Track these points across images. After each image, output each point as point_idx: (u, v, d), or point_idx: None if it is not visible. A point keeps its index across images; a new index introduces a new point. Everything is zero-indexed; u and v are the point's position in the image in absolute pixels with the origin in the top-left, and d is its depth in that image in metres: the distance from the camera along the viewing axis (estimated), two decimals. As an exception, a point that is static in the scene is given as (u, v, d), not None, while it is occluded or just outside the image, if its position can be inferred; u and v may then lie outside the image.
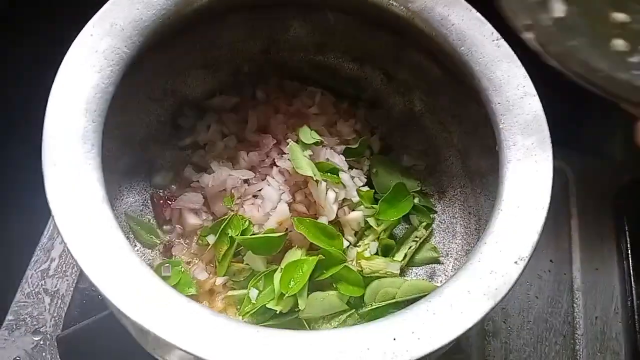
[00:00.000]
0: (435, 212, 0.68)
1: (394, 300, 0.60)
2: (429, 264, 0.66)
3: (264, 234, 0.59)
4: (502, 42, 0.56)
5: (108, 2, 0.51)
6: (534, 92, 0.53)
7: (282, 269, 0.57)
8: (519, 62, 0.55)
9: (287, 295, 0.55)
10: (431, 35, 0.58)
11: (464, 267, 0.46)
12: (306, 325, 0.58)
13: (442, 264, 0.65)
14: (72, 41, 0.48)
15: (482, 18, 0.57)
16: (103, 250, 0.41)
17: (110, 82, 0.49)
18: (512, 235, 0.46)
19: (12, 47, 0.72)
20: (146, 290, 0.40)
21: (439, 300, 0.43)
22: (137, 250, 0.61)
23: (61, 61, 0.47)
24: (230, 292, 0.58)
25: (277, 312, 0.57)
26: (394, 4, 0.59)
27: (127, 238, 0.57)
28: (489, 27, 0.56)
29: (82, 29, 0.49)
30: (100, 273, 0.40)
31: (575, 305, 0.74)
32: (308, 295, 0.57)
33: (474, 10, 0.57)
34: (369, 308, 0.60)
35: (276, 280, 0.57)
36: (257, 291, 0.58)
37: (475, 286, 0.44)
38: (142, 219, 0.63)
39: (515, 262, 0.45)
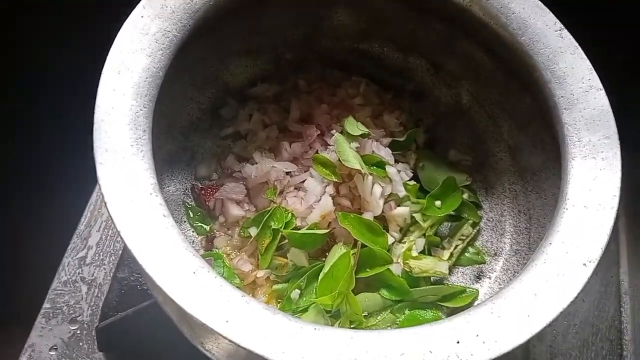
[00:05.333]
0: (483, 209, 0.66)
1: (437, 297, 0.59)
2: (473, 264, 0.63)
3: (308, 229, 0.57)
4: (566, 32, 0.53)
5: (158, -17, 0.49)
6: (600, 85, 0.51)
7: (325, 273, 0.56)
8: (583, 54, 0.52)
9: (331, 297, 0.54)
10: (489, 24, 0.56)
11: (528, 268, 0.43)
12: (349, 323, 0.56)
13: (489, 263, 0.63)
14: (122, 20, 0.47)
15: (544, 7, 0.54)
16: (156, 239, 0.39)
17: (161, 67, 0.47)
18: (580, 236, 0.44)
19: (62, 24, 0.71)
20: (200, 282, 0.38)
21: (504, 303, 0.41)
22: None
23: (111, 40, 0.46)
24: (275, 287, 0.57)
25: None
26: (450, -9, 0.56)
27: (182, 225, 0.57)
28: (551, 16, 0.54)
29: (131, 8, 0.48)
30: (153, 261, 0.38)
31: (622, 309, 0.72)
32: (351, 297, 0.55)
33: (535, -1, 0.54)
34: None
35: (321, 284, 0.55)
36: (299, 291, 0.57)
37: (541, 288, 0.42)
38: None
39: (584, 264, 0.43)
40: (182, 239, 0.40)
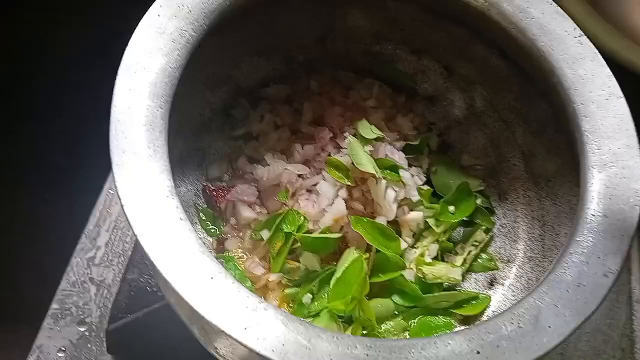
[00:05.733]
0: (496, 214, 0.65)
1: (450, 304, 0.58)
2: (486, 271, 0.63)
3: (321, 233, 0.57)
4: (585, 39, 0.52)
5: (175, -18, 0.49)
6: (620, 93, 0.50)
7: (337, 278, 0.55)
8: (603, 61, 0.51)
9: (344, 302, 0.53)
10: (507, 28, 0.55)
11: (548, 278, 0.43)
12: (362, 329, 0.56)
13: (503, 270, 0.62)
14: (138, 18, 0.46)
15: (563, 12, 0.54)
16: (173, 243, 0.39)
17: (177, 67, 0.47)
18: (600, 247, 0.43)
19: (79, 22, 0.70)
20: (218, 288, 0.37)
21: (524, 313, 0.40)
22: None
23: (127, 39, 0.45)
24: (287, 291, 0.56)
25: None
26: (469, -6, 0.56)
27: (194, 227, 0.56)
28: (571, 22, 0.53)
29: (147, 6, 0.47)
30: (171, 266, 0.38)
31: (634, 317, 0.71)
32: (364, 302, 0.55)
33: (554, 4, 0.54)
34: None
35: (333, 289, 0.54)
36: (311, 296, 0.56)
37: (562, 299, 0.41)
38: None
39: (605, 275, 0.42)
40: (199, 243, 0.40)
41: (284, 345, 0.36)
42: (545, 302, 0.41)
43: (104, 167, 0.40)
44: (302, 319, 0.38)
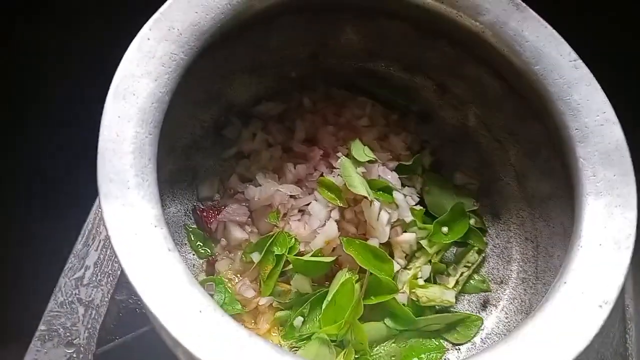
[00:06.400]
0: (489, 234, 0.65)
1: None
2: (479, 292, 0.62)
3: (313, 255, 0.56)
4: (580, 63, 0.52)
5: (166, 3, 0.48)
6: (615, 119, 0.50)
7: (328, 301, 0.54)
8: (598, 86, 0.51)
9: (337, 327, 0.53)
10: (502, 51, 0.55)
11: (543, 307, 0.42)
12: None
13: (495, 291, 0.62)
14: (127, 41, 0.45)
15: (559, 36, 0.53)
16: (160, 276, 0.38)
17: (167, 91, 0.46)
18: (595, 276, 0.43)
19: (66, 46, 0.69)
20: (206, 322, 0.37)
21: (519, 343, 0.40)
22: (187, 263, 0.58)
23: (116, 63, 0.44)
24: (278, 314, 0.55)
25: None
26: (463, 15, 0.55)
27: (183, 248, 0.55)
28: (566, 46, 0.53)
29: (136, 29, 0.46)
30: (157, 298, 0.37)
31: (627, 335, 0.71)
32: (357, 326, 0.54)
33: (549, 27, 0.53)
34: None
35: (325, 312, 0.54)
36: (302, 319, 0.56)
37: (557, 329, 0.41)
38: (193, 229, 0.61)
39: (600, 306, 0.42)
40: (187, 275, 0.39)
41: (274, 381, 0.35)
42: (540, 332, 0.40)
43: (93, 185, 0.39)
44: (293, 354, 0.37)
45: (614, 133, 0.49)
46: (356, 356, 0.55)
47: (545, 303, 0.43)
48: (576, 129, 0.50)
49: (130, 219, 0.39)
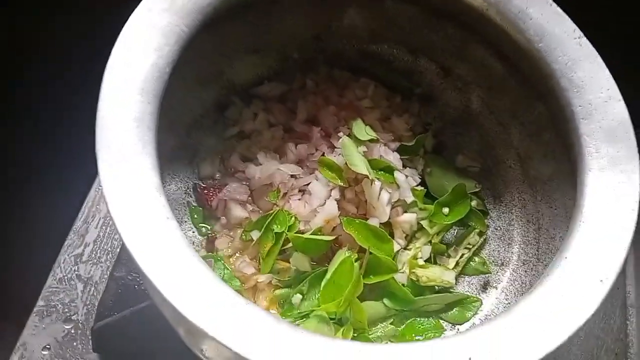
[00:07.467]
0: (490, 216, 0.64)
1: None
2: (479, 274, 0.62)
3: (312, 234, 0.56)
4: (585, 40, 0.52)
5: (168, -26, 0.48)
6: (619, 95, 0.49)
7: (327, 280, 0.54)
8: (602, 63, 0.51)
9: (336, 304, 0.52)
10: (506, 29, 0.54)
11: (542, 282, 0.42)
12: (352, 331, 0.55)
13: (496, 273, 0.61)
14: (129, 12, 0.45)
15: (563, 13, 0.53)
16: (158, 242, 0.37)
17: (168, 62, 0.45)
18: (596, 251, 0.43)
19: (67, 16, 0.69)
20: (202, 288, 0.36)
21: (518, 318, 0.40)
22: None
23: (117, 33, 0.44)
24: (277, 291, 0.55)
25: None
26: (467, -6, 0.55)
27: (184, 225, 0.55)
28: (570, 23, 0.52)
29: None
30: (155, 266, 0.36)
31: (628, 322, 0.70)
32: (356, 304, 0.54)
33: (554, 5, 0.53)
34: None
35: (324, 290, 0.54)
36: (301, 296, 0.55)
37: (557, 304, 0.40)
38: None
39: (601, 281, 0.41)
40: (185, 242, 0.38)
41: (270, 347, 0.35)
42: (540, 307, 0.40)
43: (94, 162, 0.39)
44: (289, 322, 0.37)
45: (618, 110, 0.48)
46: (354, 334, 0.54)
47: (545, 277, 0.42)
48: (580, 106, 0.49)
49: (129, 186, 0.39)
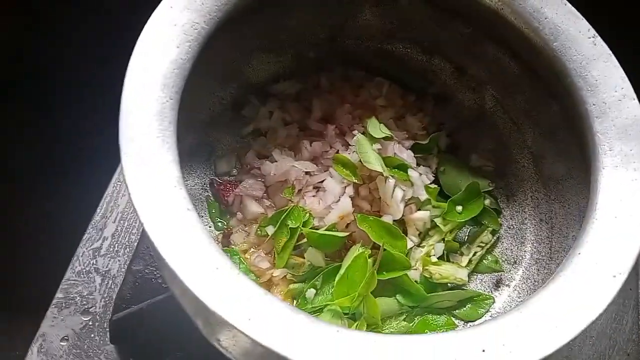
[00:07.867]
0: (503, 215, 0.65)
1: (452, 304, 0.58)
2: (491, 272, 0.62)
3: (326, 229, 0.56)
4: (599, 39, 0.52)
5: (189, -27, 0.49)
6: (634, 94, 0.50)
7: (341, 275, 0.55)
8: (616, 62, 0.51)
9: (350, 299, 0.53)
10: (520, 28, 0.55)
11: (555, 278, 0.42)
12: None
13: (508, 272, 0.62)
14: (151, 11, 0.46)
15: (577, 13, 0.53)
16: (179, 233, 0.38)
17: (188, 58, 0.47)
18: (609, 247, 0.43)
19: (92, 16, 0.70)
20: (222, 279, 0.37)
21: (531, 312, 0.40)
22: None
23: (139, 31, 0.45)
24: (291, 286, 0.56)
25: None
26: (481, -7, 0.55)
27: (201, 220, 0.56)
28: (584, 22, 0.53)
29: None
30: (176, 255, 0.37)
31: (641, 322, 0.70)
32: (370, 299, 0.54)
33: (568, 4, 0.53)
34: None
35: (337, 285, 0.54)
36: (315, 291, 0.56)
37: (569, 299, 0.41)
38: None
39: (614, 276, 0.42)
40: (206, 234, 0.39)
41: (287, 336, 0.36)
42: (553, 302, 0.40)
43: (113, 158, 0.40)
44: (305, 313, 0.38)
45: (632, 108, 0.49)
46: (367, 330, 0.55)
47: (558, 273, 0.43)
48: (594, 105, 0.50)
49: (151, 178, 0.40)
